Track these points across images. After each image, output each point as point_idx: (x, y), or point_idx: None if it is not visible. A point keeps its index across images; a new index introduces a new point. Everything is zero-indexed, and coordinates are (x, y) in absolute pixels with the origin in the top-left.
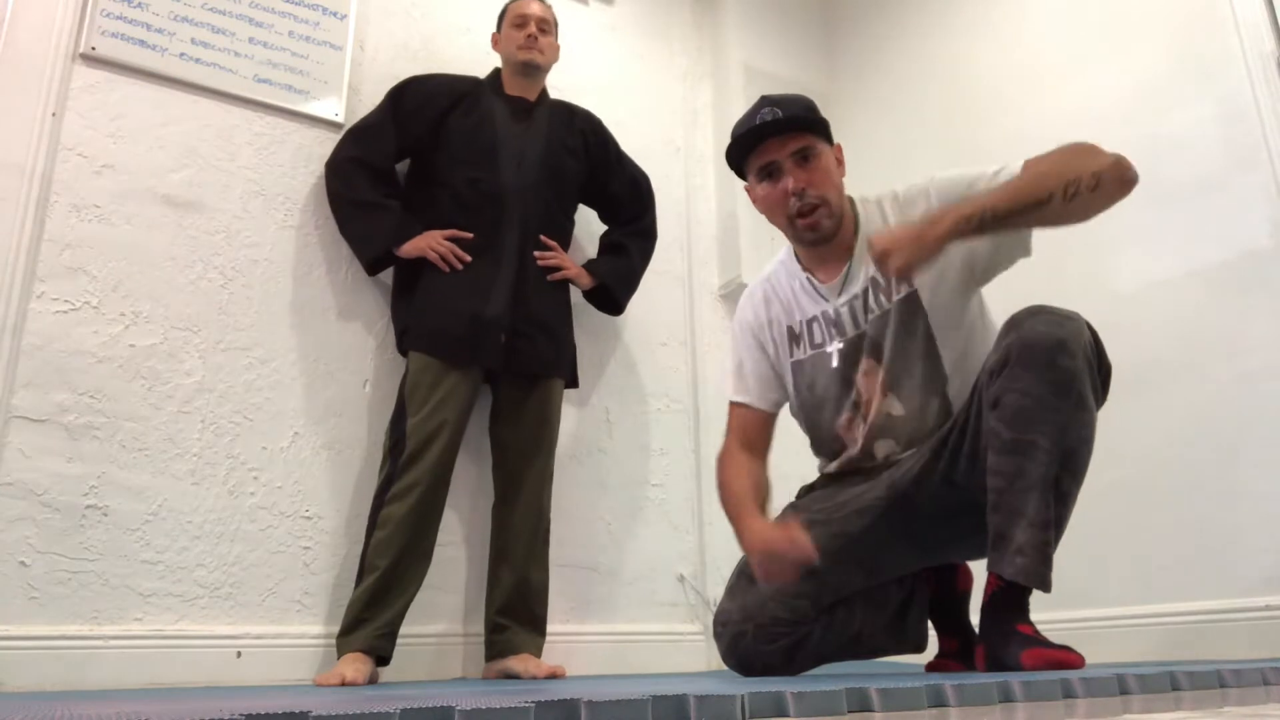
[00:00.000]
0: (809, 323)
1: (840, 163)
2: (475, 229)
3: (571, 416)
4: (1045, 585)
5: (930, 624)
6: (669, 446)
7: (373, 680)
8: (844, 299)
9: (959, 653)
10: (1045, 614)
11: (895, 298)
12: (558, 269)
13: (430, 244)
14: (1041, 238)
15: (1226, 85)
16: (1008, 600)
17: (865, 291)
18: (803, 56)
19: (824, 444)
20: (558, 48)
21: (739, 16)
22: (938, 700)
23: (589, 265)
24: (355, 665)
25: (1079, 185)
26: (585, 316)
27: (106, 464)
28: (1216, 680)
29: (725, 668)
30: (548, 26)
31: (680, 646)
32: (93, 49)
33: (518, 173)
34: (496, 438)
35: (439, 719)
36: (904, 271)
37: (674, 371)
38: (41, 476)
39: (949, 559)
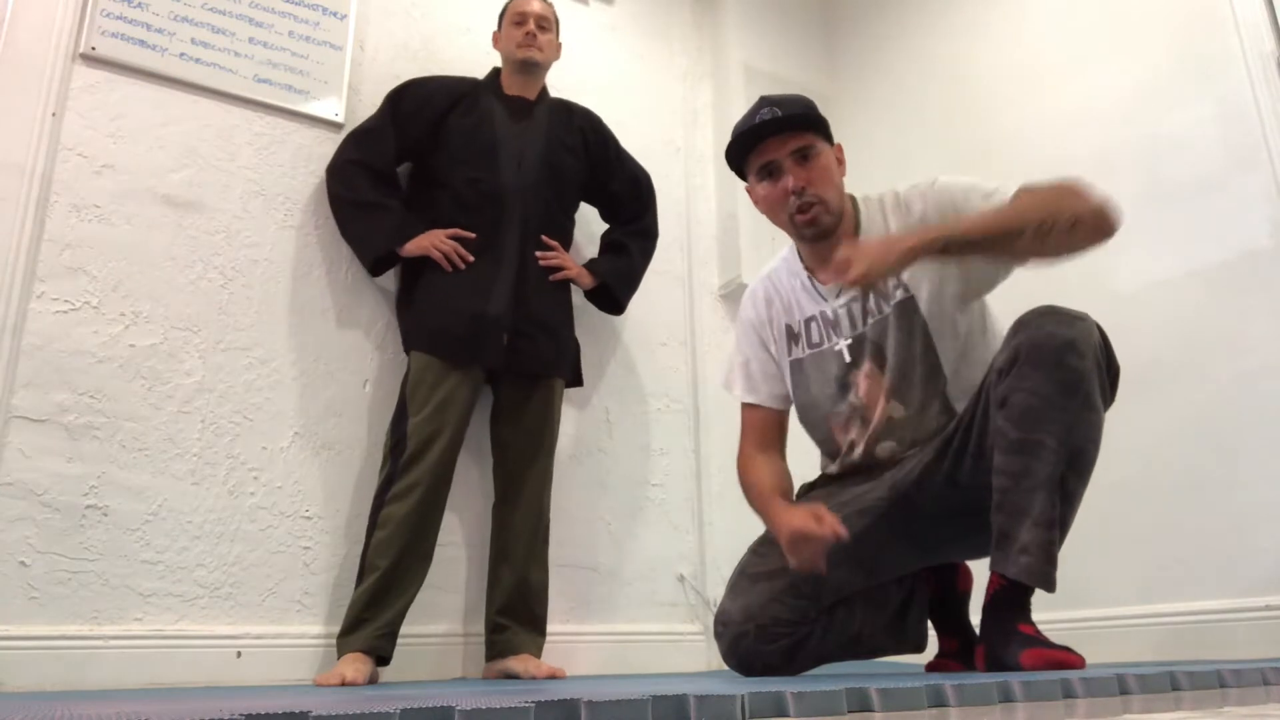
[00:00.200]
0: (807, 322)
1: (841, 162)
2: (476, 229)
3: (571, 416)
4: (1049, 585)
5: (930, 624)
6: (669, 446)
7: (373, 680)
8: (843, 300)
9: (959, 653)
10: (1045, 614)
11: (893, 301)
12: (559, 269)
13: (433, 243)
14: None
15: (1226, 85)
16: (1009, 600)
17: (863, 293)
18: (803, 56)
19: (821, 443)
20: (558, 46)
21: (739, 16)
22: (938, 700)
23: (590, 265)
24: (355, 665)
25: (1054, 224)
26: (585, 316)
27: (106, 464)
28: (1216, 680)
29: (725, 668)
30: (547, 24)
31: (680, 646)
32: (93, 49)
33: (518, 172)
34: (497, 438)
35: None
36: (862, 281)
37: (674, 371)
38: (41, 476)
39: (949, 559)
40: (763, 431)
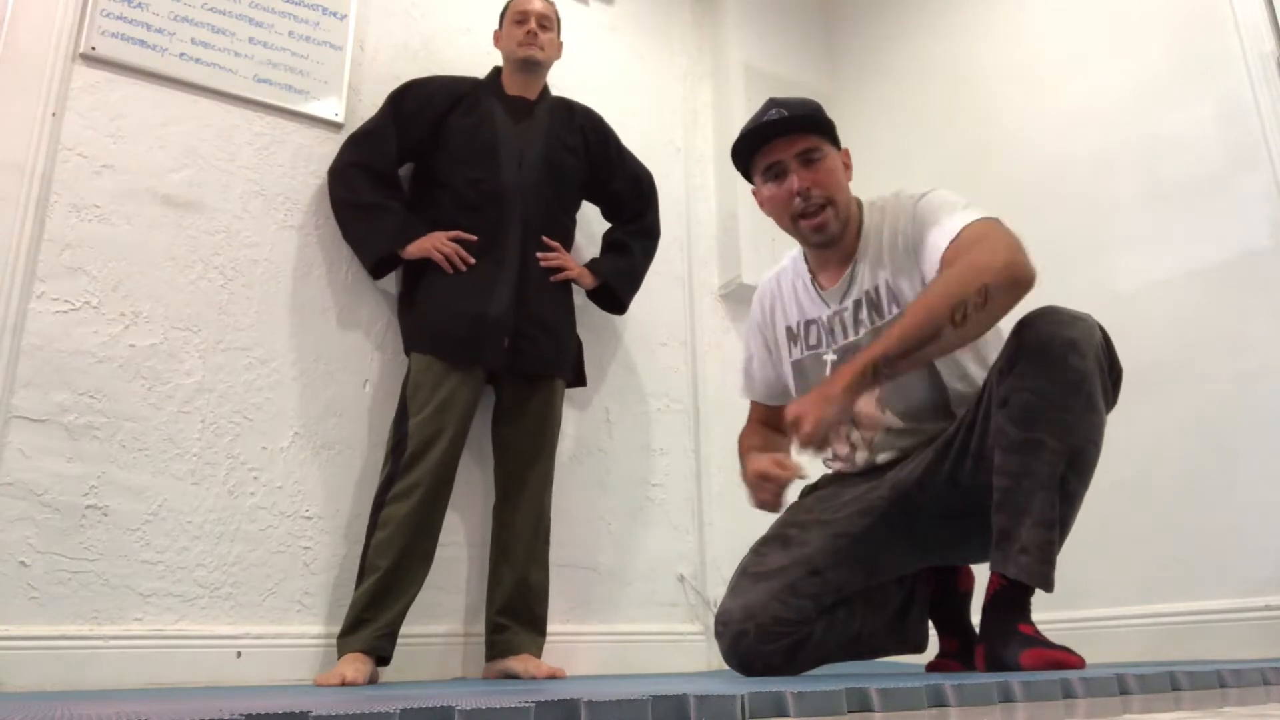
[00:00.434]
0: (806, 324)
1: (848, 166)
2: (477, 229)
3: (572, 417)
4: (1048, 585)
5: (931, 624)
6: (669, 446)
7: (373, 680)
8: (843, 304)
9: (959, 653)
10: (1045, 614)
11: (888, 315)
12: (560, 269)
13: (435, 244)
14: (1041, 239)
15: (1226, 85)
16: (1009, 600)
17: (859, 303)
18: (803, 56)
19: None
20: (560, 44)
21: (739, 16)
22: (938, 700)
23: (591, 264)
24: (355, 665)
25: (966, 308)
26: (585, 316)
27: (106, 464)
28: (1216, 680)
29: (725, 668)
30: (549, 23)
31: (680, 646)
32: (93, 49)
33: (518, 172)
34: (498, 438)
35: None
36: (814, 436)
37: (674, 371)
38: (41, 476)
39: (951, 561)
40: (763, 419)
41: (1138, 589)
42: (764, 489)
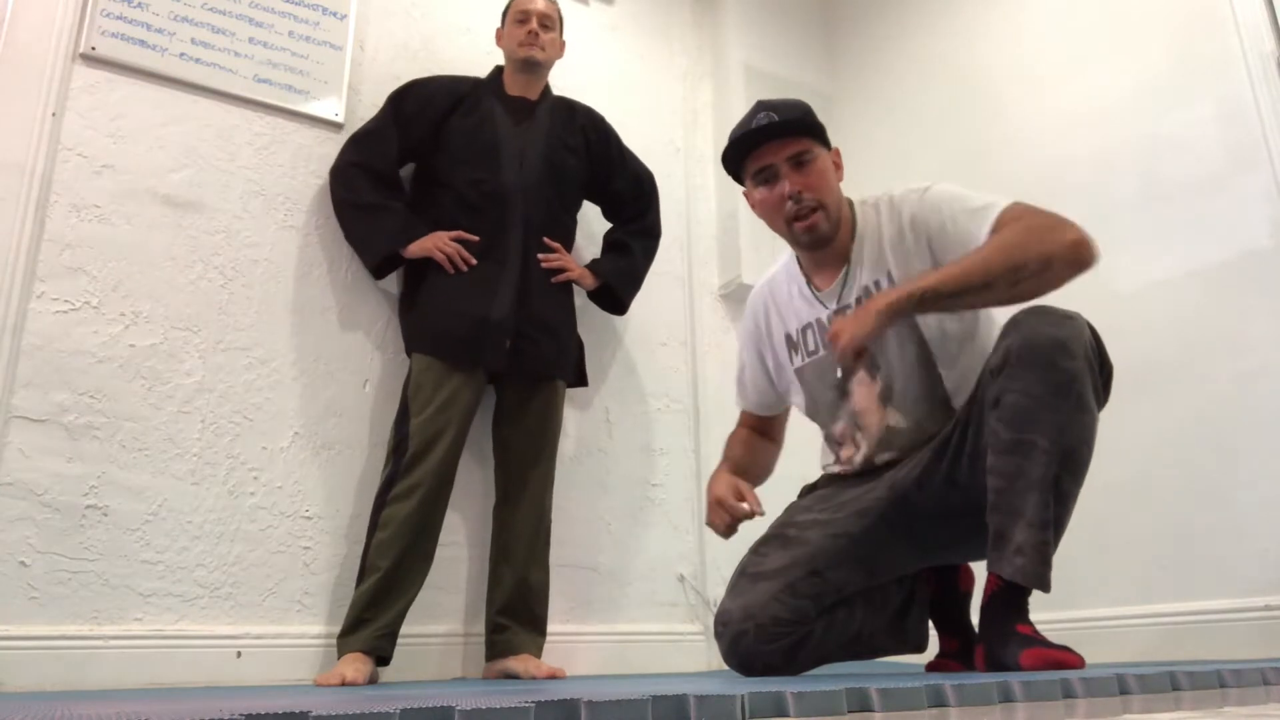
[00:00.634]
0: (804, 329)
1: (839, 166)
2: (479, 230)
3: (572, 417)
4: (1044, 585)
5: (931, 624)
6: (669, 446)
7: (373, 680)
8: (841, 304)
9: (959, 653)
10: (1045, 614)
11: None
12: (561, 270)
13: (437, 244)
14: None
15: (1226, 85)
16: (1007, 600)
17: (859, 301)
18: (803, 56)
19: (829, 446)
20: (561, 44)
21: (739, 16)
22: (938, 700)
23: (592, 265)
24: (355, 665)
25: (1025, 270)
26: (585, 316)
27: (106, 464)
28: (1216, 680)
29: (725, 668)
30: (550, 22)
31: (680, 646)
32: (93, 49)
33: (520, 173)
34: (499, 439)
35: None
36: (851, 348)
37: (674, 371)
38: (41, 476)
39: (950, 560)
40: (753, 425)
41: (1138, 589)
42: (717, 514)
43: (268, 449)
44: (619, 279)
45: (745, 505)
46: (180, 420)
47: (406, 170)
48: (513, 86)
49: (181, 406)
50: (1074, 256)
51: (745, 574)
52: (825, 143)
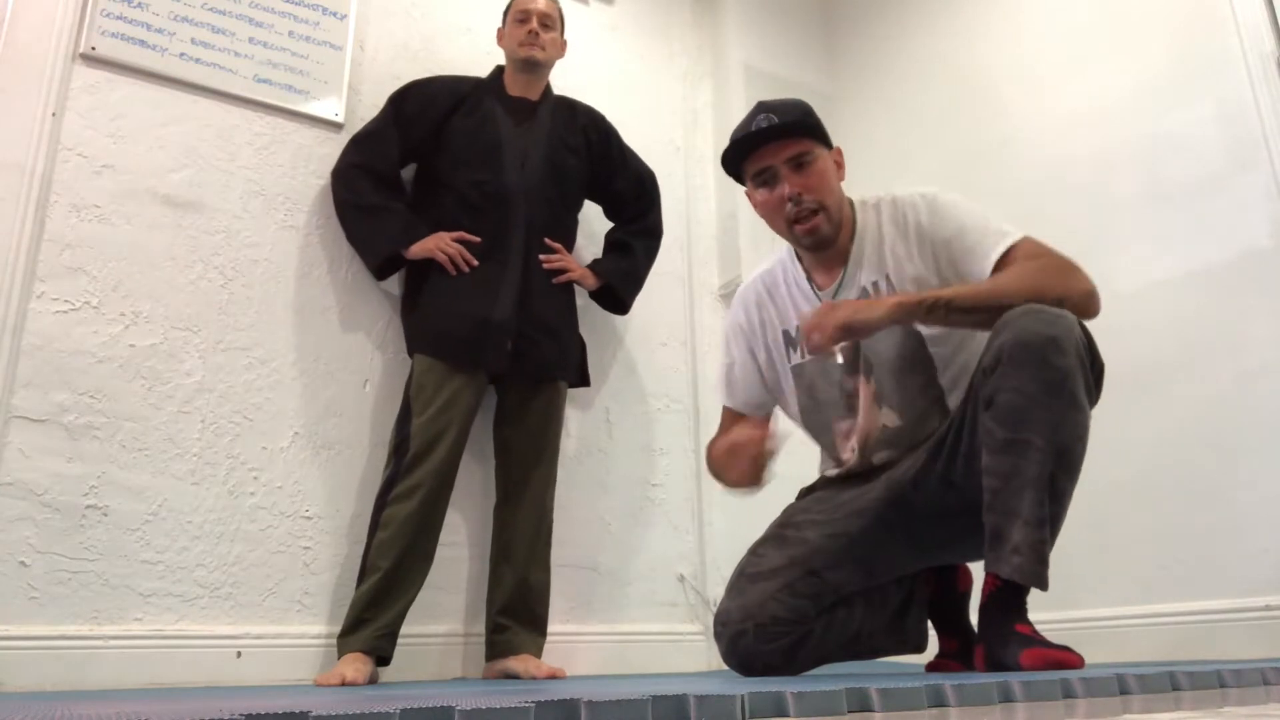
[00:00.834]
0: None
1: (840, 166)
2: (480, 231)
3: (572, 417)
4: (1042, 584)
5: (930, 624)
6: (669, 446)
7: (373, 680)
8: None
9: (959, 653)
10: (1045, 614)
11: None
12: (563, 270)
13: (439, 245)
14: (1042, 238)
15: (1226, 85)
16: (1006, 600)
17: (860, 299)
18: (803, 56)
19: (825, 447)
20: (562, 43)
21: (739, 16)
22: (938, 700)
23: (594, 265)
24: (355, 665)
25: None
26: (585, 316)
27: (106, 464)
28: (1216, 680)
29: (725, 668)
30: (551, 22)
31: (680, 646)
32: (93, 49)
33: (521, 173)
34: (500, 439)
35: (439, 719)
36: (843, 328)
37: (674, 371)
38: (41, 476)
39: (948, 560)
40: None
41: (1138, 589)
42: (738, 460)
43: (268, 449)
44: (621, 279)
45: (765, 441)
46: (180, 420)
47: (408, 171)
48: (514, 87)
49: (181, 406)
50: (1086, 305)
51: (744, 574)
52: (826, 143)
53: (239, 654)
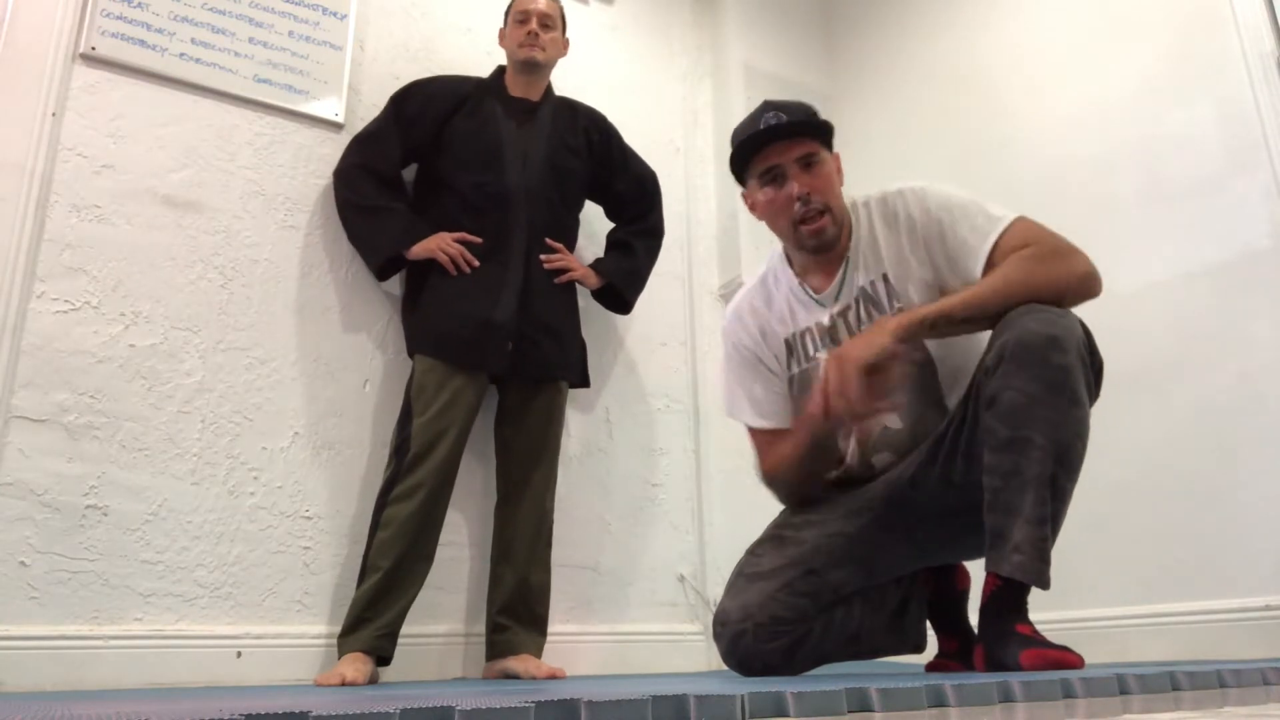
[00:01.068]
0: (802, 334)
1: (839, 171)
2: (482, 232)
3: (572, 417)
4: (1044, 582)
5: (930, 624)
6: (669, 446)
7: (373, 680)
8: (838, 307)
9: (959, 653)
10: (1045, 614)
11: (888, 309)
12: (564, 270)
13: (440, 245)
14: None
15: (1226, 85)
16: (1006, 600)
17: (857, 302)
18: (803, 56)
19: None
20: (563, 43)
21: (739, 16)
22: (938, 700)
23: (596, 264)
24: (355, 665)
25: (1040, 301)
26: (585, 316)
27: (106, 464)
28: (1216, 680)
29: (725, 668)
30: (551, 22)
31: (680, 646)
32: (93, 49)
33: (522, 174)
34: (501, 439)
35: (439, 719)
36: (859, 363)
37: (674, 371)
38: (41, 476)
39: (947, 559)
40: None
41: (1138, 589)
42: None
43: (268, 449)
44: (623, 278)
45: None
46: (180, 420)
47: (409, 171)
48: (515, 87)
49: (181, 406)
50: (1085, 289)
51: (743, 575)
52: (830, 145)
53: (239, 654)
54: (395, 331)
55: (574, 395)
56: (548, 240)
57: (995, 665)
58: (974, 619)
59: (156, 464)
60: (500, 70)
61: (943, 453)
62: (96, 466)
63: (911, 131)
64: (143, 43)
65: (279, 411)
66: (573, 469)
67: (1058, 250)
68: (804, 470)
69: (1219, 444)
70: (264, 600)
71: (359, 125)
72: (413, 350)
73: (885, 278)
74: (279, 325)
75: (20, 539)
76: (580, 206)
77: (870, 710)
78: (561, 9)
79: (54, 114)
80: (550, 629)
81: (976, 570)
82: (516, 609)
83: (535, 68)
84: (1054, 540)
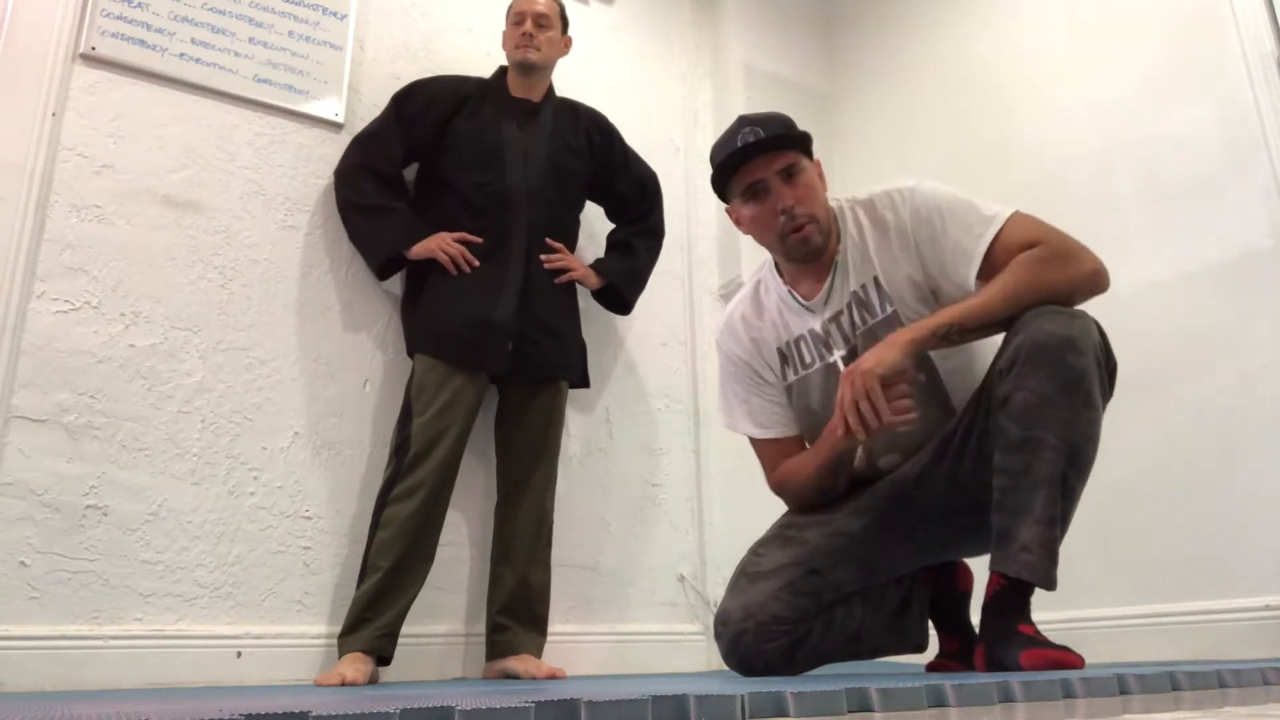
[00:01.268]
0: (796, 342)
1: (821, 178)
2: (482, 232)
3: (572, 417)
4: (1050, 583)
5: (930, 624)
6: (669, 446)
7: (373, 680)
8: (829, 313)
9: (959, 653)
10: (1046, 614)
11: (880, 316)
12: (565, 270)
13: (440, 245)
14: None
15: (1226, 85)
16: (1009, 600)
17: (850, 306)
18: (803, 56)
19: None
20: (561, 42)
21: (739, 16)
22: (938, 700)
23: (596, 265)
24: (356, 665)
25: (1050, 303)
26: (585, 317)
27: (106, 464)
28: (1216, 680)
29: (725, 668)
30: (547, 22)
31: (680, 646)
32: (93, 49)
33: (523, 175)
34: (501, 439)
35: (439, 719)
36: (872, 376)
37: (674, 371)
38: (41, 476)
39: (948, 558)
40: (787, 455)
41: (1138, 589)
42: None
43: (268, 449)
44: (624, 278)
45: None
46: (180, 420)
47: (410, 171)
48: (515, 88)
49: (181, 406)
50: (1093, 287)
51: (744, 574)
52: (810, 154)
53: (239, 654)
54: (395, 331)
55: (574, 395)
56: (548, 240)
57: (996, 665)
58: (974, 618)
59: (156, 464)
60: (502, 71)
61: (951, 452)
62: (96, 466)
63: (911, 131)
64: (143, 43)
65: (279, 411)
66: (573, 469)
67: (1065, 250)
68: (823, 485)
69: (1219, 444)
70: (264, 600)
71: (359, 125)
72: (413, 350)
73: (876, 281)
74: (279, 325)
75: (20, 539)
76: (581, 207)
77: (870, 710)
78: (561, 8)
79: (54, 114)
80: (550, 629)
81: (978, 569)
82: (516, 609)
83: (531, 68)
84: (1061, 541)
